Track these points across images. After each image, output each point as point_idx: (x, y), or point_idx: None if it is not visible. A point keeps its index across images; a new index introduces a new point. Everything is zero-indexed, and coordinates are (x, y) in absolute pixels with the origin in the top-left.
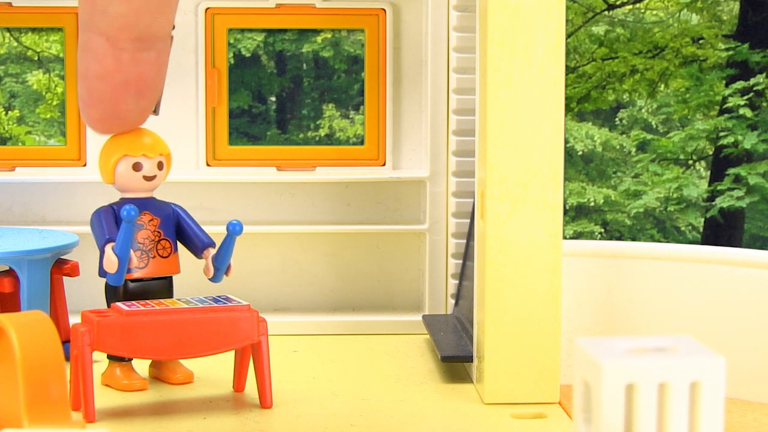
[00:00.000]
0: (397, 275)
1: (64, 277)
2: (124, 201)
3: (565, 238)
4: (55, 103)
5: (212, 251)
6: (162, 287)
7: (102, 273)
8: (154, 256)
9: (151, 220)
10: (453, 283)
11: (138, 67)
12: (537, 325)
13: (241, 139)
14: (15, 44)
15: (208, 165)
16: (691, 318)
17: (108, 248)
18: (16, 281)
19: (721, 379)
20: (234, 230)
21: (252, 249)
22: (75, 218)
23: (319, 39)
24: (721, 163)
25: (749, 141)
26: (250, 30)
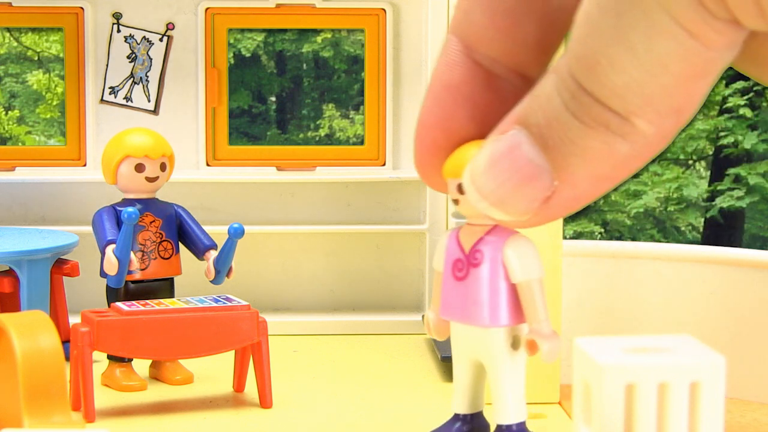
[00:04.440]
0: (397, 275)
1: (64, 277)
2: (126, 201)
3: (565, 238)
4: (55, 103)
5: (213, 253)
6: (163, 288)
7: (103, 274)
8: (156, 258)
9: (153, 221)
10: None
11: None
12: None
13: (241, 139)
14: (15, 44)
15: (208, 165)
16: (691, 318)
17: (108, 250)
18: (16, 281)
19: (721, 379)
20: (235, 233)
21: (252, 249)
22: (75, 218)
23: (319, 39)
24: (721, 163)
25: (749, 141)
26: (250, 30)
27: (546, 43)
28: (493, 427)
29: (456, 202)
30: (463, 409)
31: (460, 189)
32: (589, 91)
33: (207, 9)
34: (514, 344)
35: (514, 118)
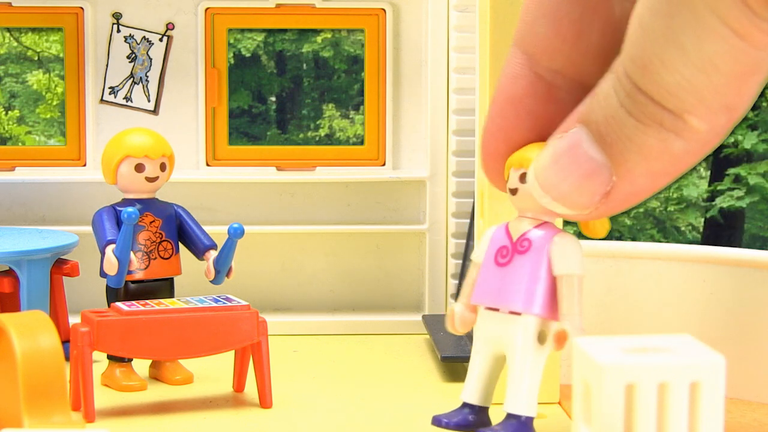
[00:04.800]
0: (397, 275)
1: (64, 277)
2: (126, 201)
3: None
4: (55, 103)
5: (213, 253)
6: (163, 288)
7: (103, 274)
8: (156, 258)
9: (153, 221)
10: (453, 283)
11: None
12: None
13: (241, 139)
14: (15, 44)
15: (208, 165)
16: (691, 318)
17: (108, 250)
18: (16, 281)
19: (721, 379)
20: (235, 233)
21: (252, 249)
22: (75, 218)
23: (319, 39)
24: (721, 163)
25: (749, 141)
26: (250, 30)
27: (608, 51)
28: (488, 425)
29: (513, 192)
30: (472, 399)
31: (521, 179)
32: (643, 91)
33: (207, 9)
34: (540, 339)
35: (576, 117)
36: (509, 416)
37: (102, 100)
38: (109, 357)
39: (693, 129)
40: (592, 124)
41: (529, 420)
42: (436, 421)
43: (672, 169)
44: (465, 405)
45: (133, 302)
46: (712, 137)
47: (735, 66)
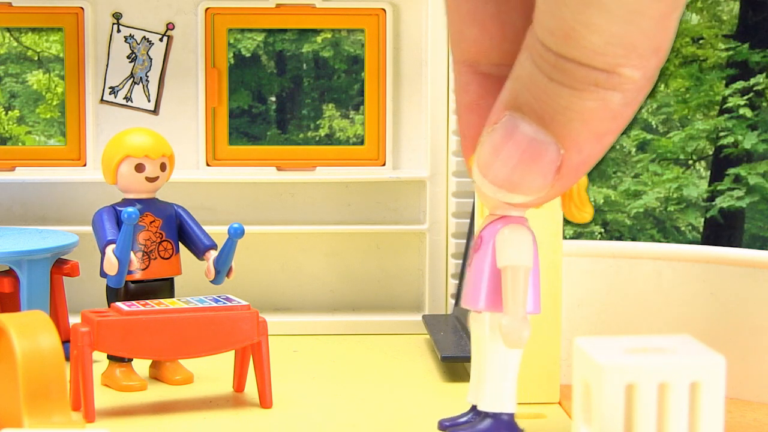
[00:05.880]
0: (397, 275)
1: (64, 277)
2: (126, 201)
3: (565, 238)
4: (55, 103)
5: (213, 253)
6: (163, 288)
7: (103, 274)
8: (156, 258)
9: (153, 221)
10: (453, 283)
11: None
12: (537, 325)
13: (241, 139)
14: (15, 44)
15: (208, 165)
16: (691, 318)
17: (108, 250)
18: (16, 281)
19: (721, 379)
20: (235, 233)
21: (252, 249)
22: (75, 218)
23: (319, 39)
24: (721, 163)
25: (749, 141)
26: (250, 30)
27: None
28: None
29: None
30: (473, 399)
31: None
32: (569, 58)
33: (207, 9)
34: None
35: (501, 106)
36: (484, 415)
37: (102, 100)
38: (109, 357)
39: (629, 79)
40: (525, 107)
41: (508, 416)
42: (441, 425)
43: (614, 125)
44: (472, 408)
45: (133, 302)
46: (645, 83)
47: (660, 6)
